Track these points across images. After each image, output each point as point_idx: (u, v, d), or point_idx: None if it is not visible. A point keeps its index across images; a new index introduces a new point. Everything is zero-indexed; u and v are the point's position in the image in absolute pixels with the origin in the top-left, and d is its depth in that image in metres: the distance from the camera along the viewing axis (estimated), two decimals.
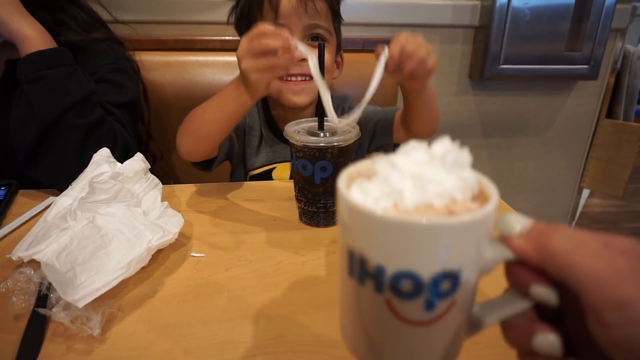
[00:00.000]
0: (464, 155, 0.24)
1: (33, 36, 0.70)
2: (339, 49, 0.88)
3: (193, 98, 0.85)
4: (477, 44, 1.35)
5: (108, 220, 0.50)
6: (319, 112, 0.59)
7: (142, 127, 0.92)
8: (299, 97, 0.81)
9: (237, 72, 0.63)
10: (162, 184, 0.64)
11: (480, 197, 0.25)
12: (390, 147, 0.88)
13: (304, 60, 0.58)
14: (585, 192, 2.05)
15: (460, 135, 1.46)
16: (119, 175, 0.54)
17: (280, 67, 0.59)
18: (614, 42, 1.43)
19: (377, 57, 0.60)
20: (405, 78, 0.62)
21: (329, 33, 0.82)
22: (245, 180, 0.89)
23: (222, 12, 1.20)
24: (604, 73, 1.46)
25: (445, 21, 1.31)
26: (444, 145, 0.24)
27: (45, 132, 0.69)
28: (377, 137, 0.88)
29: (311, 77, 0.67)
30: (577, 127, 1.54)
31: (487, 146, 1.50)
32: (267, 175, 0.88)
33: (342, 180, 0.26)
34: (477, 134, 1.48)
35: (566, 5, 1.28)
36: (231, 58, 1.14)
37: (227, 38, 1.16)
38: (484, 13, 1.30)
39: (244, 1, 0.81)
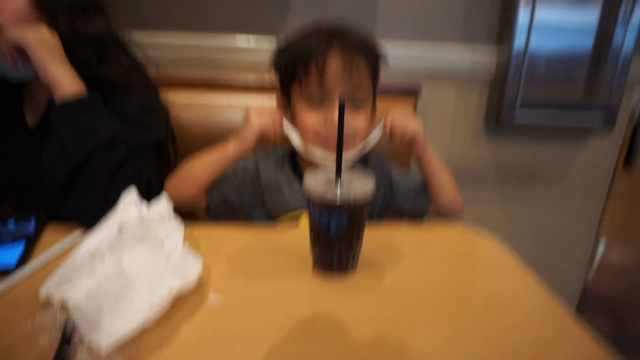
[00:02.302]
0: None
1: (67, 82, 0.76)
2: (374, 107, 0.91)
3: (217, 139, 0.88)
4: (494, 90, 1.37)
5: (133, 262, 0.52)
6: (337, 164, 0.62)
7: (168, 170, 0.96)
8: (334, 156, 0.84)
9: None
10: (183, 222, 0.67)
11: None
12: (406, 211, 0.95)
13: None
14: (603, 242, 2.02)
15: (474, 183, 1.48)
16: (146, 218, 0.57)
17: (273, 127, 0.80)
18: (631, 91, 1.44)
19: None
20: (396, 142, 0.85)
21: (368, 93, 0.85)
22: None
23: (247, 55, 1.27)
24: (622, 122, 1.47)
25: (463, 67, 1.34)
26: None
27: (75, 171, 0.73)
28: (398, 199, 0.95)
29: (346, 140, 0.75)
30: (595, 176, 1.54)
31: (501, 194, 1.51)
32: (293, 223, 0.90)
33: None
34: (491, 182, 1.49)
35: (583, 53, 1.31)
36: (253, 99, 1.19)
37: (249, 78, 1.22)
38: (500, 60, 1.33)
39: (290, 56, 0.84)
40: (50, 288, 0.51)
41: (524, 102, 1.33)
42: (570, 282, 1.68)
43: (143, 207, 0.62)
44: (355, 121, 0.84)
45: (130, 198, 0.62)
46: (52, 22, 0.80)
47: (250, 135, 0.79)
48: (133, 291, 0.49)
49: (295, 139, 0.84)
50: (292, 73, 0.83)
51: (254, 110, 0.81)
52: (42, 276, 0.56)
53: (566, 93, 1.34)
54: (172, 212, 0.65)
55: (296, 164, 0.94)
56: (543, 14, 1.25)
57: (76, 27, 0.81)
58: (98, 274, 0.50)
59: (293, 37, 0.86)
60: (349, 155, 0.84)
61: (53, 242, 0.69)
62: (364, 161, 0.95)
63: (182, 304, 0.56)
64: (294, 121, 0.87)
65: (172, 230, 0.62)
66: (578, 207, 1.57)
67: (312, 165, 0.85)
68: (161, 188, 0.84)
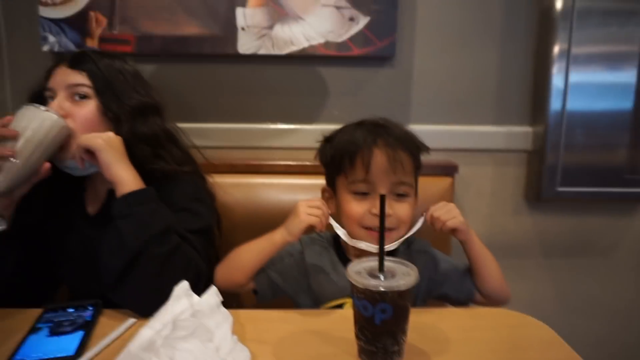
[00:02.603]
0: None
1: (129, 179, 0.84)
2: (416, 194, 0.93)
3: (259, 217, 0.92)
4: (532, 167, 1.38)
5: (186, 357, 0.54)
6: (380, 255, 0.64)
7: (213, 251, 1.00)
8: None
9: (298, 193, 0.86)
10: (225, 304, 0.69)
11: None
12: (451, 297, 0.95)
13: (389, 216, 0.81)
14: None
15: (518, 255, 1.44)
16: (198, 312, 0.60)
17: (320, 220, 0.82)
18: None
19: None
20: (438, 231, 0.85)
21: (411, 187, 0.88)
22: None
23: (287, 139, 1.35)
24: None
25: (499, 146, 1.37)
26: None
27: (130, 262, 0.78)
28: (443, 285, 0.94)
29: (390, 230, 0.84)
30: None
31: (549, 267, 1.46)
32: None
33: None
34: (537, 255, 1.45)
35: (624, 114, 1.29)
36: (294, 180, 1.25)
37: (290, 163, 1.28)
38: (536, 138, 1.35)
39: (336, 149, 0.89)
40: None
41: (565, 174, 1.31)
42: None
43: (194, 298, 0.65)
44: (399, 211, 0.86)
45: (182, 290, 0.65)
46: (117, 126, 0.89)
47: (297, 228, 0.82)
48: None
49: (340, 232, 0.86)
50: (338, 165, 0.88)
51: (303, 203, 0.84)
52: None
53: (609, 159, 1.32)
54: (220, 302, 0.68)
55: (341, 248, 0.95)
56: (577, 77, 1.27)
57: (136, 129, 0.91)
58: None
59: (338, 130, 0.92)
60: (391, 245, 0.85)
61: (108, 330, 0.73)
62: (407, 246, 0.96)
63: None
64: (339, 210, 0.90)
65: (222, 321, 0.64)
66: (634, 281, 1.49)
67: (357, 250, 0.87)
68: (208, 272, 0.88)
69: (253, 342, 0.70)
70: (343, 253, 0.94)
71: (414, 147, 0.88)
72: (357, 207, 0.86)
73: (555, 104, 1.28)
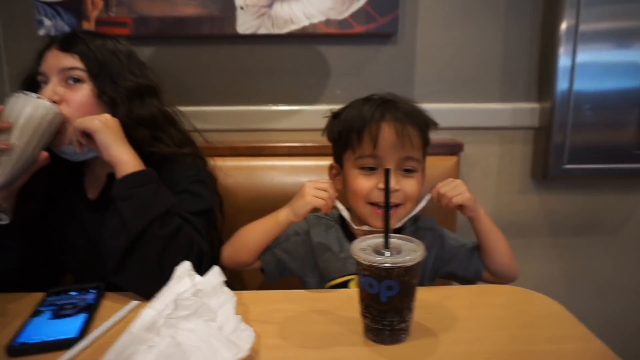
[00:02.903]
0: None
1: (128, 160, 0.82)
2: (424, 167, 0.92)
3: (262, 200, 0.92)
4: (538, 144, 1.35)
5: (188, 336, 0.53)
6: (385, 231, 0.62)
7: (215, 234, 0.99)
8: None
9: (301, 175, 0.85)
10: (230, 286, 0.68)
11: None
12: (458, 275, 0.94)
13: (396, 191, 0.82)
14: None
15: (526, 234, 1.42)
16: (200, 291, 0.59)
17: (326, 203, 0.81)
18: None
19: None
20: (445, 208, 0.85)
21: (419, 162, 0.87)
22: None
23: (289, 121, 1.32)
24: None
25: (505, 123, 1.34)
26: None
27: (132, 243, 0.77)
28: (451, 263, 0.93)
29: (396, 206, 0.84)
30: None
31: (557, 246, 1.44)
32: (344, 287, 0.90)
33: None
34: (544, 233, 1.43)
35: (632, 93, 1.26)
36: (296, 162, 1.23)
37: (293, 144, 1.26)
38: (543, 115, 1.32)
39: (344, 125, 0.88)
40: None
41: (572, 151, 1.29)
42: None
43: (196, 278, 0.64)
44: (407, 187, 0.85)
45: (184, 270, 0.64)
46: (113, 110, 0.88)
47: (303, 210, 0.82)
48: None
49: (346, 214, 0.87)
50: (346, 141, 0.87)
51: (310, 184, 0.84)
52: (102, 347, 0.59)
53: (617, 137, 1.29)
54: (223, 282, 0.67)
55: (347, 226, 0.94)
56: (585, 57, 1.24)
57: (133, 111, 0.89)
58: (155, 350, 0.51)
59: (346, 106, 0.91)
60: (397, 223, 0.85)
61: (111, 312, 0.72)
62: (414, 222, 0.95)
63: None
64: (345, 187, 0.89)
65: (225, 301, 0.63)
66: None
67: (362, 227, 0.87)
68: (211, 253, 0.87)
69: (257, 322, 0.69)
70: (349, 231, 0.94)
71: (422, 122, 0.87)
72: (363, 183, 0.85)
73: (562, 83, 1.25)
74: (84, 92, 0.87)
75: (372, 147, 0.83)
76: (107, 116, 0.84)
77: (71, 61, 0.87)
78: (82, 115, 0.85)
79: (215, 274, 0.65)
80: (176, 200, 0.85)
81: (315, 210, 0.83)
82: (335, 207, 0.86)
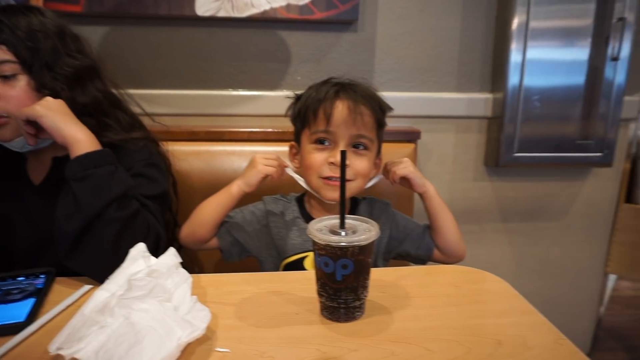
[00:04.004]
0: None
1: (83, 139, 0.79)
2: (379, 153, 0.96)
3: (222, 186, 0.92)
4: (491, 133, 1.41)
5: (142, 316, 0.53)
6: (340, 212, 0.64)
7: (170, 216, 0.97)
8: (335, 194, 0.88)
9: None
10: (187, 269, 0.68)
11: None
12: (411, 255, 0.98)
13: (346, 166, 0.79)
14: (613, 276, 2.00)
15: (478, 220, 1.48)
16: (154, 272, 0.58)
17: (276, 170, 0.88)
18: (626, 126, 1.47)
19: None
20: (391, 182, 0.92)
21: (371, 141, 0.91)
22: (279, 269, 0.95)
23: (249, 106, 1.32)
24: (620, 157, 1.49)
25: (460, 113, 1.38)
26: None
27: (87, 226, 0.74)
28: (403, 243, 0.97)
29: (348, 181, 0.86)
30: (597, 212, 1.55)
31: (506, 230, 1.51)
32: (299, 264, 0.92)
33: None
34: (495, 219, 1.50)
35: (577, 90, 1.35)
36: (257, 148, 1.22)
37: (253, 130, 1.25)
38: (495, 105, 1.37)
39: (302, 104, 0.92)
40: (59, 344, 0.51)
41: (521, 141, 1.36)
42: (583, 318, 1.64)
43: (151, 259, 0.63)
44: (356, 163, 0.89)
45: (138, 251, 0.63)
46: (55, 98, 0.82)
47: (254, 179, 0.88)
48: (142, 345, 0.49)
49: (301, 180, 0.91)
50: (303, 119, 0.91)
51: (259, 155, 0.89)
52: (52, 331, 0.57)
53: (562, 129, 1.38)
54: (179, 263, 0.66)
55: (304, 207, 0.98)
56: (535, 53, 1.31)
57: (76, 99, 0.84)
58: (108, 331, 0.51)
59: (308, 88, 0.94)
60: (347, 195, 0.87)
61: (62, 297, 0.70)
62: (369, 204, 0.99)
63: (190, 354, 0.56)
64: (301, 163, 0.92)
65: (180, 282, 0.62)
66: (584, 242, 1.57)
67: (320, 209, 0.93)
68: (167, 236, 0.86)
69: (214, 304, 0.69)
70: (306, 211, 0.97)
71: (375, 103, 0.90)
72: (316, 157, 0.88)
73: (513, 78, 1.32)
74: (20, 86, 0.81)
75: (325, 122, 0.87)
76: (48, 99, 0.80)
77: None
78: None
79: (171, 255, 0.64)
80: (133, 183, 0.83)
81: (266, 179, 0.88)
82: (293, 186, 0.90)
